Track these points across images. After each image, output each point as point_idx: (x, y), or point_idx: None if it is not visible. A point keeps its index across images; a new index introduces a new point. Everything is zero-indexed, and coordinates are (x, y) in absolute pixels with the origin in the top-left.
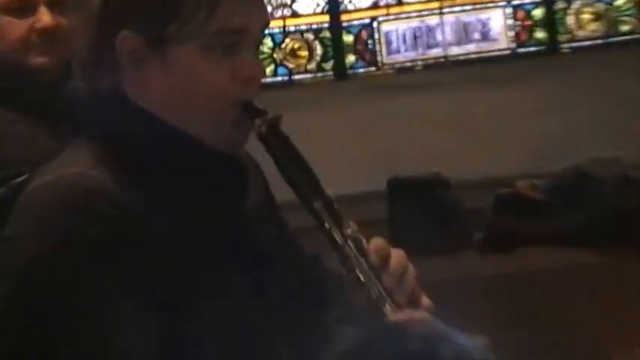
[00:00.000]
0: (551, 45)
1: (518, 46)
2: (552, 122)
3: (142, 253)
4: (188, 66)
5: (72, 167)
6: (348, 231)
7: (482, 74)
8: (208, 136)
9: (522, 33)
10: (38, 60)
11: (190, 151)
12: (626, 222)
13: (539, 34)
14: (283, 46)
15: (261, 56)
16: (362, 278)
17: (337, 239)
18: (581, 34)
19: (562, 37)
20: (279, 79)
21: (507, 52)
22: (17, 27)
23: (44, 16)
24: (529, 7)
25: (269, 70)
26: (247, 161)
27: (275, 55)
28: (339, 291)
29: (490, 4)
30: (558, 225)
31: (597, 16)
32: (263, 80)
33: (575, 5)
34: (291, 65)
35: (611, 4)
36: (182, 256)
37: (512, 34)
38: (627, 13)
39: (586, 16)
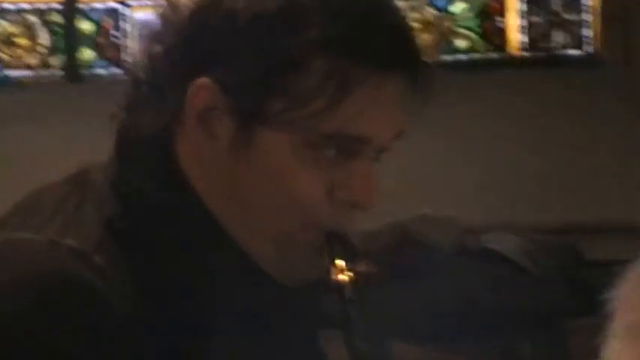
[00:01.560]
0: None
1: None
2: None
3: None
4: (275, 161)
5: (69, 236)
6: None
7: None
8: (268, 257)
9: None
10: None
11: (238, 272)
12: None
13: None
14: None
15: None
16: None
17: None
18: None
19: None
20: None
21: None
22: None
23: None
24: None
25: None
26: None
27: None
28: None
29: None
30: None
31: (426, 26)
32: None
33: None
34: (5, 57)
35: (443, 11)
36: None
37: None
38: (465, 24)
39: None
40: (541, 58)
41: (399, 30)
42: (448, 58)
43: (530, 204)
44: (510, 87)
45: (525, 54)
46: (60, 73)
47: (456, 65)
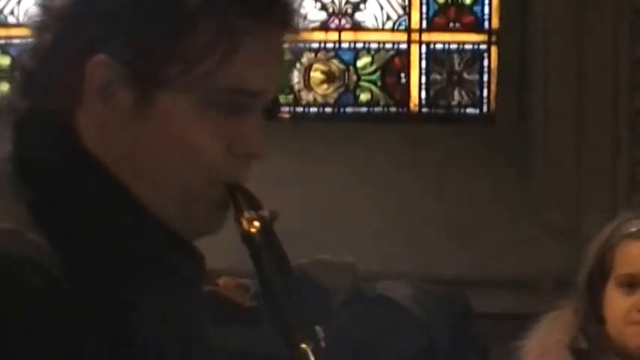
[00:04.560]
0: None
1: None
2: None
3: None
4: (175, 123)
5: (3, 220)
6: None
7: None
8: (174, 215)
9: None
10: None
11: (147, 234)
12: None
13: None
14: None
15: None
16: None
17: None
18: (308, 97)
19: (283, 99)
20: None
21: None
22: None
23: None
24: None
25: None
26: None
27: None
28: None
29: None
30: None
31: (331, 78)
32: None
33: (304, 59)
34: None
35: (349, 64)
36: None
37: None
38: (368, 78)
39: (317, 75)
40: (439, 114)
41: None
42: (350, 110)
43: (425, 254)
44: (409, 141)
45: (425, 110)
46: None
47: (358, 117)
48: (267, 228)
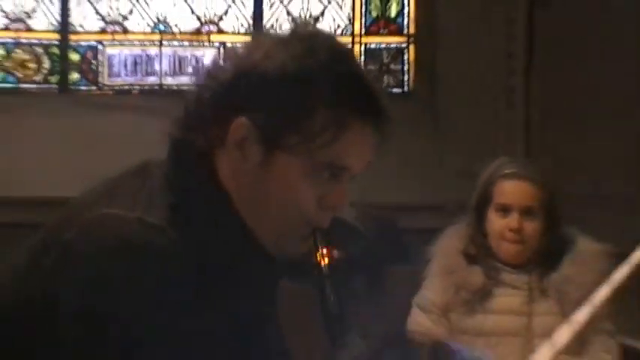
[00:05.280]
0: None
1: None
2: None
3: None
4: (287, 178)
5: (151, 214)
6: None
7: None
8: (270, 242)
9: None
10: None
11: (249, 254)
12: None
13: None
14: (14, 55)
15: None
16: None
17: None
18: None
19: None
20: (7, 85)
21: None
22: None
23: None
24: None
25: None
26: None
27: (6, 64)
28: None
29: (206, 44)
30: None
31: None
32: None
33: None
34: (20, 75)
35: None
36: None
37: None
38: None
39: None
40: None
41: (375, 91)
42: None
43: (367, 187)
44: None
45: None
46: (55, 87)
47: None
48: (331, 263)
